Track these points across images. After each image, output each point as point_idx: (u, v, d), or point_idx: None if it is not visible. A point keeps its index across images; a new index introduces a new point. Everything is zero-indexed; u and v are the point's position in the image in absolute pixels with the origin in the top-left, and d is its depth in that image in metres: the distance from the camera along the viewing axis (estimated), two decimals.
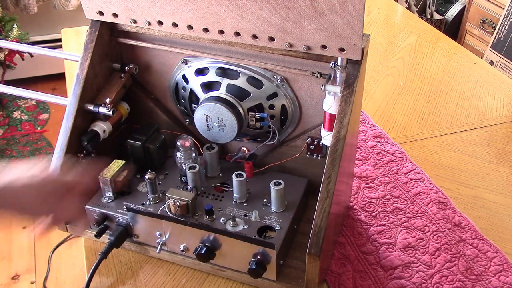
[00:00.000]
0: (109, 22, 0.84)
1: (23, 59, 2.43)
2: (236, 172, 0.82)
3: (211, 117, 0.84)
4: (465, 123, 1.17)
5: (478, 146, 1.09)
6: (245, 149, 0.91)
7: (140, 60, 0.90)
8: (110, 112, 0.85)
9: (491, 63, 2.28)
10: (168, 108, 0.95)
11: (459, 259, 0.83)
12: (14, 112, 2.57)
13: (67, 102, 0.84)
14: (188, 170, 0.83)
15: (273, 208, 0.82)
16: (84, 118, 0.85)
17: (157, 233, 0.79)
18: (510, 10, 2.17)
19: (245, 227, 0.79)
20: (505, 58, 2.22)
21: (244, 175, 0.82)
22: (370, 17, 1.66)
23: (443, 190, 0.96)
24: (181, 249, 0.79)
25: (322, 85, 0.74)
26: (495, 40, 2.27)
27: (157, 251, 0.80)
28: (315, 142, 0.84)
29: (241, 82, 0.83)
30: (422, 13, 2.66)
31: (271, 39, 0.74)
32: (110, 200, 0.84)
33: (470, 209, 0.93)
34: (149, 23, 0.81)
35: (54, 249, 1.87)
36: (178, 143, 0.85)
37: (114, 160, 0.85)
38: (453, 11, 2.61)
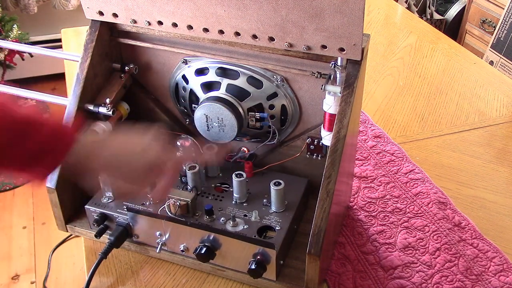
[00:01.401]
0: (109, 22, 0.84)
1: (23, 59, 2.42)
2: (236, 172, 0.82)
3: (211, 117, 0.84)
4: (465, 123, 1.17)
5: (478, 146, 1.09)
6: (245, 149, 0.91)
7: (140, 60, 0.90)
8: (110, 112, 0.85)
9: (491, 63, 2.28)
10: (168, 108, 0.95)
11: (459, 259, 0.83)
12: None
13: (67, 102, 0.84)
14: (188, 170, 0.83)
15: (273, 208, 0.82)
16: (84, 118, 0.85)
17: (157, 233, 0.79)
18: (510, 10, 2.17)
19: (245, 227, 0.79)
20: (505, 58, 2.22)
21: (244, 175, 0.82)
22: (370, 17, 1.66)
23: (443, 190, 0.96)
24: (181, 249, 0.79)
25: (322, 85, 0.74)
26: (495, 40, 2.27)
27: (157, 251, 0.80)
28: (315, 142, 0.84)
29: (241, 82, 0.83)
30: (422, 13, 2.66)
31: (271, 39, 0.74)
32: (110, 200, 0.84)
33: (470, 209, 0.93)
34: (149, 23, 0.81)
35: (54, 249, 1.87)
36: (178, 143, 0.85)
37: None
38: (453, 11, 2.61)
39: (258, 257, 0.74)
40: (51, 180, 0.82)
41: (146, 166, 0.68)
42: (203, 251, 0.75)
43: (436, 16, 2.62)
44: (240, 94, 0.83)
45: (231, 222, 0.79)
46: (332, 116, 0.76)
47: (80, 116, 0.66)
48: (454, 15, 2.60)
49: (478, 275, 0.81)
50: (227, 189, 0.86)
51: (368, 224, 0.90)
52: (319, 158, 0.86)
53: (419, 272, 0.81)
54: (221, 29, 0.76)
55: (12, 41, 2.21)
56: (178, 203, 0.79)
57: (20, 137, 0.59)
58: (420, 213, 0.91)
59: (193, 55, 0.85)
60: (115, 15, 0.82)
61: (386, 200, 0.94)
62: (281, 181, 0.80)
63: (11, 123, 0.59)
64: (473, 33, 2.49)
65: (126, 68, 0.89)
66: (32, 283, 1.81)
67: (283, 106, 0.84)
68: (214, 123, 0.84)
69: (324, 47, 0.72)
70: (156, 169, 0.69)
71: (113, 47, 0.89)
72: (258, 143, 0.89)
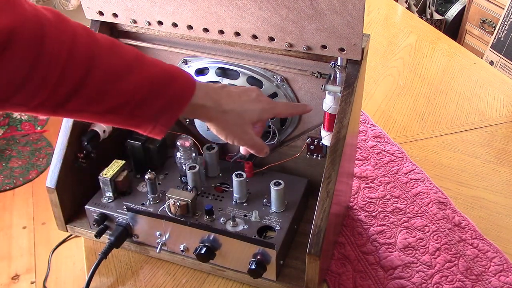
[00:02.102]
0: (109, 22, 0.84)
1: None
2: (236, 172, 0.82)
3: None
4: (465, 123, 1.17)
5: (478, 146, 1.09)
6: None
7: None
8: None
9: (491, 63, 2.28)
10: None
11: (459, 259, 0.83)
12: (14, 112, 2.57)
13: None
14: (188, 170, 0.83)
15: (273, 208, 0.82)
16: None
17: (157, 233, 0.79)
18: (510, 10, 2.17)
19: (245, 227, 0.79)
20: (505, 58, 2.22)
21: (244, 175, 0.82)
22: (370, 17, 1.66)
23: (443, 190, 0.96)
24: (181, 249, 0.79)
25: (322, 85, 0.74)
26: (495, 40, 2.27)
27: (157, 251, 0.80)
28: (315, 142, 0.84)
29: (241, 82, 0.83)
30: (422, 13, 2.66)
31: (271, 39, 0.74)
32: (110, 200, 0.84)
33: (470, 209, 0.93)
34: (149, 23, 0.81)
35: (54, 249, 1.87)
36: (178, 143, 0.85)
37: (114, 160, 0.85)
38: (453, 11, 2.61)
39: (258, 257, 0.74)
40: (51, 180, 0.82)
41: (255, 117, 0.70)
42: (203, 251, 0.75)
43: (436, 16, 2.62)
44: None
45: (231, 222, 0.79)
46: (332, 116, 0.76)
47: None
48: (454, 15, 2.60)
49: (478, 275, 0.81)
50: (227, 189, 0.86)
51: (368, 224, 0.90)
52: (319, 158, 0.86)
53: (419, 272, 0.81)
54: (221, 29, 0.76)
55: None
56: (178, 203, 0.79)
57: (157, 91, 0.61)
58: (420, 213, 0.91)
59: (193, 55, 0.85)
60: (115, 15, 0.82)
61: (386, 200, 0.94)
62: (281, 181, 0.80)
63: (153, 77, 0.61)
64: (473, 33, 2.49)
65: None
66: (32, 283, 1.81)
67: None
68: None
69: (324, 47, 0.72)
70: (260, 122, 0.72)
71: None
72: None
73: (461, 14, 2.57)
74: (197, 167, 0.84)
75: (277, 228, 0.78)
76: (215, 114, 0.67)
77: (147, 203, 0.83)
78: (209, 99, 0.67)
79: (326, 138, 0.79)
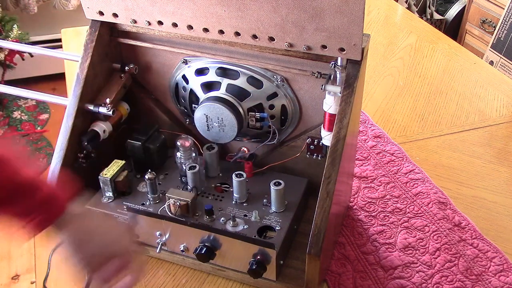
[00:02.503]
0: (109, 22, 0.84)
1: (23, 59, 2.42)
2: (236, 172, 0.82)
3: (211, 117, 0.84)
4: (465, 123, 1.17)
5: (478, 146, 1.09)
6: (245, 149, 0.91)
7: (140, 60, 0.90)
8: (110, 112, 0.85)
9: (491, 63, 2.28)
10: (168, 108, 0.95)
11: (459, 259, 0.83)
12: (14, 112, 2.57)
13: (67, 102, 0.84)
14: (188, 170, 0.83)
15: (273, 208, 0.82)
16: (84, 118, 0.85)
17: (157, 233, 0.79)
18: (510, 10, 2.17)
19: (245, 227, 0.79)
20: (505, 58, 2.22)
21: (244, 175, 0.82)
22: (370, 17, 1.66)
23: (443, 190, 0.96)
24: (181, 249, 0.79)
25: (322, 85, 0.74)
26: (495, 40, 2.27)
27: (157, 251, 0.80)
28: (315, 142, 0.84)
29: (241, 82, 0.83)
30: (422, 13, 2.66)
31: (271, 39, 0.74)
32: (110, 200, 0.84)
33: (470, 209, 0.93)
34: (149, 23, 0.81)
35: (54, 249, 1.86)
36: (178, 143, 0.85)
37: (114, 160, 0.85)
38: (453, 11, 2.61)
39: (258, 257, 0.74)
40: (51, 180, 0.82)
41: (112, 254, 0.67)
42: (203, 251, 0.75)
43: (436, 16, 2.62)
44: (240, 94, 0.83)
45: (231, 222, 0.79)
46: (332, 116, 0.76)
47: (74, 182, 0.70)
48: (454, 15, 2.60)
49: (478, 275, 0.81)
50: (227, 189, 0.86)
51: (368, 224, 0.90)
52: (319, 158, 0.86)
53: (419, 272, 0.81)
54: (221, 29, 0.76)
55: (12, 41, 2.21)
56: (178, 203, 0.79)
57: (13, 197, 0.61)
58: (420, 213, 0.91)
59: (193, 55, 0.85)
60: (115, 15, 0.82)
61: (386, 200, 0.94)
62: (281, 181, 0.80)
63: (9, 183, 0.61)
64: (473, 33, 2.49)
65: (126, 68, 0.89)
66: (32, 283, 1.81)
67: (283, 106, 0.84)
68: (214, 123, 0.84)
69: (324, 47, 0.72)
70: (118, 261, 0.67)
71: (113, 47, 0.89)
72: (258, 143, 0.89)
73: (461, 14, 2.57)
74: (197, 167, 0.84)
75: (277, 228, 0.78)
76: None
77: (147, 203, 0.83)
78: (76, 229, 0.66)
79: (326, 138, 0.79)
